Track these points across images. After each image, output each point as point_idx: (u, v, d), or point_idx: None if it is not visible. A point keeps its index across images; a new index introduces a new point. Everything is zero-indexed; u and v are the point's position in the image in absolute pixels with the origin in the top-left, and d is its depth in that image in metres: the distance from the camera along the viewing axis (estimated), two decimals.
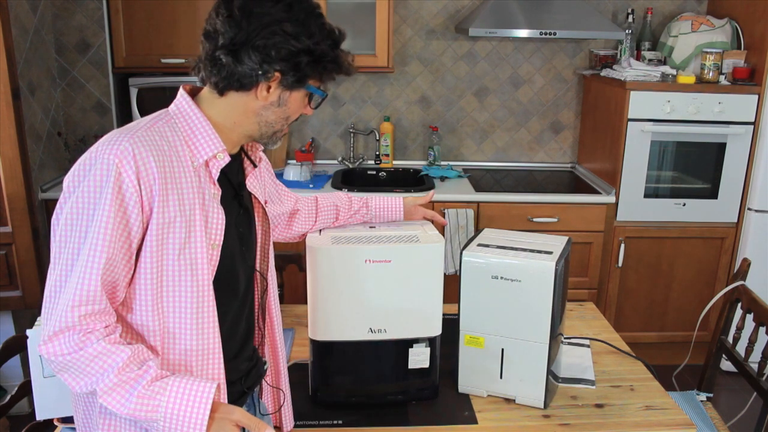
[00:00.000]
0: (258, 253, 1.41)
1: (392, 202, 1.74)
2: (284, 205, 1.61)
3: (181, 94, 1.22)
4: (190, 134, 1.19)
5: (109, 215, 1.07)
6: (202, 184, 1.18)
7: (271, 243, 1.46)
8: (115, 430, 1.19)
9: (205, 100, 1.22)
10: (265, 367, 1.47)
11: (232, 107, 1.21)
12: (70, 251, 1.09)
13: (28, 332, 1.54)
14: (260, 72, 1.15)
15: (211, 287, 1.19)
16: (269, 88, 1.18)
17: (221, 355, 1.22)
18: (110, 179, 1.08)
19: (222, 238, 1.20)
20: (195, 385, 1.10)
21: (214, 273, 1.20)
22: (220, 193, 1.22)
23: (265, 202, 1.41)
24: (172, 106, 1.23)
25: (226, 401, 1.22)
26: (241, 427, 1.14)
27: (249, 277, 1.36)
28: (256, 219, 1.40)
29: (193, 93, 1.25)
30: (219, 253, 1.20)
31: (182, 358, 1.19)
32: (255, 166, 1.36)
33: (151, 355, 1.13)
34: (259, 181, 1.39)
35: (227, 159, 1.22)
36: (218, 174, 1.21)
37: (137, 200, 1.09)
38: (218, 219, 1.20)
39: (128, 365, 1.08)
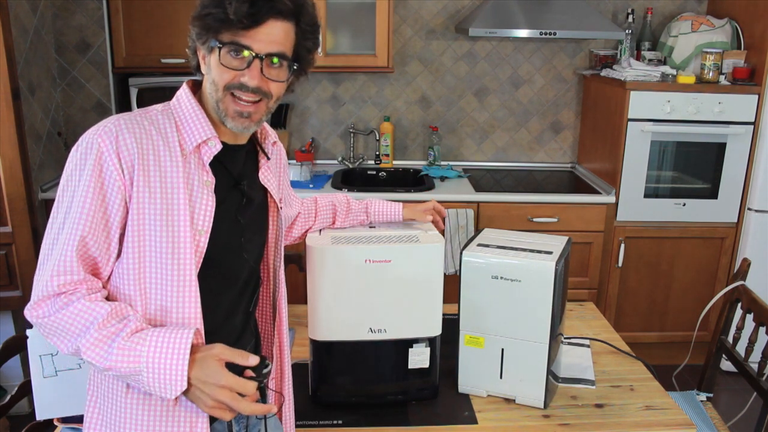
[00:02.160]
0: (271, 247, 1.41)
1: (391, 208, 1.76)
2: (292, 209, 1.62)
3: (183, 87, 1.26)
4: (182, 121, 1.22)
5: (87, 191, 1.13)
6: (192, 170, 1.20)
7: (282, 240, 1.45)
8: (99, 384, 1.23)
9: (204, 93, 1.25)
10: (267, 370, 1.43)
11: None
12: (56, 225, 1.16)
13: (28, 332, 1.54)
14: (190, 43, 1.23)
15: (195, 272, 1.18)
16: (204, 58, 1.22)
17: (203, 341, 1.20)
18: (91, 157, 1.13)
19: (209, 224, 1.20)
20: (173, 332, 1.11)
21: (202, 258, 1.20)
22: (213, 180, 1.22)
23: (280, 200, 1.41)
24: (173, 98, 1.26)
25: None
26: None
27: (251, 270, 1.35)
28: (270, 213, 1.40)
29: (197, 89, 1.28)
30: (206, 240, 1.20)
31: None
32: (268, 158, 1.36)
33: (131, 311, 1.14)
34: (273, 175, 1.39)
35: (218, 146, 1.22)
36: (210, 160, 1.22)
37: (117, 177, 1.13)
38: (207, 206, 1.20)
39: (108, 320, 1.11)
